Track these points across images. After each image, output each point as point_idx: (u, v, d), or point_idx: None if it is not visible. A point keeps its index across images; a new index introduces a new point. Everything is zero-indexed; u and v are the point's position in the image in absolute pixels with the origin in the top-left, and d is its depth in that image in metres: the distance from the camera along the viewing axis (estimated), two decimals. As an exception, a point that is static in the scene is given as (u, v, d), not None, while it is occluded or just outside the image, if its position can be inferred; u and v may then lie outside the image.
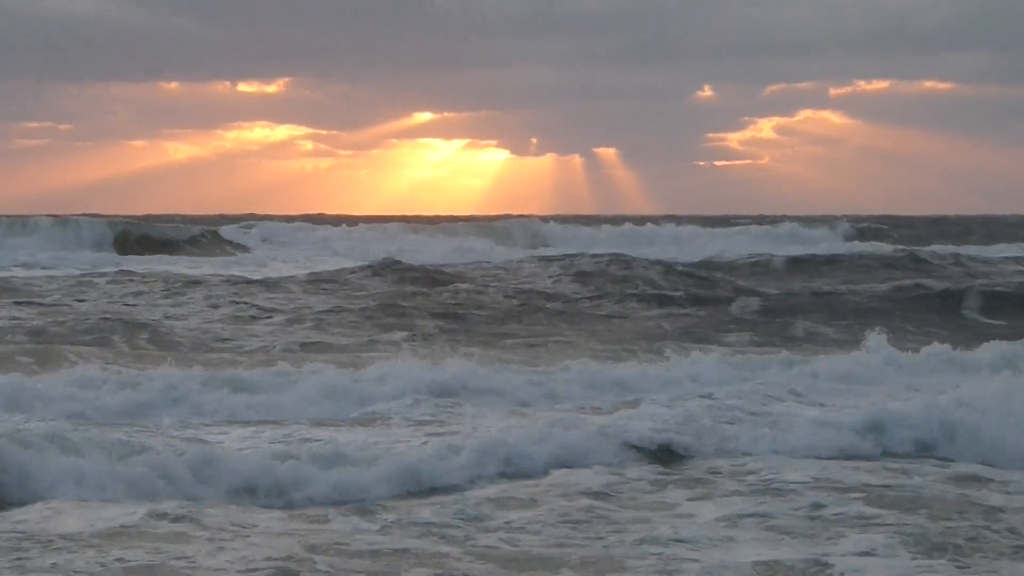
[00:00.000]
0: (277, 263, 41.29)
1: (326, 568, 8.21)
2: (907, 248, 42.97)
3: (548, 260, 35.45)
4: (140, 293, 26.87)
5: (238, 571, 8.09)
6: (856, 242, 53.75)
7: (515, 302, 25.48)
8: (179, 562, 8.27)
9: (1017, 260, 40.07)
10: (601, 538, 9.07)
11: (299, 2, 75.92)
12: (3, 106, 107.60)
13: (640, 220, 59.71)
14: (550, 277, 31.22)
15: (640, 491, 10.66)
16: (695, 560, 8.46)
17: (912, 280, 28.76)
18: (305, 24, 79.66)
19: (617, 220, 55.83)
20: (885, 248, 45.09)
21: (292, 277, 30.98)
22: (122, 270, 32.69)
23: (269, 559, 8.29)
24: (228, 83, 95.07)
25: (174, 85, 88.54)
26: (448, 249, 45.77)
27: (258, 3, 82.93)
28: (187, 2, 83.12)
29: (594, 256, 34.55)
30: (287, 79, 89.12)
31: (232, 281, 29.44)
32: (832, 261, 36.88)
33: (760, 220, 62.80)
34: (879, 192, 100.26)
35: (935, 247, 44.68)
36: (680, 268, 32.68)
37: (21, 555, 8.40)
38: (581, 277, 30.68)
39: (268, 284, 29.00)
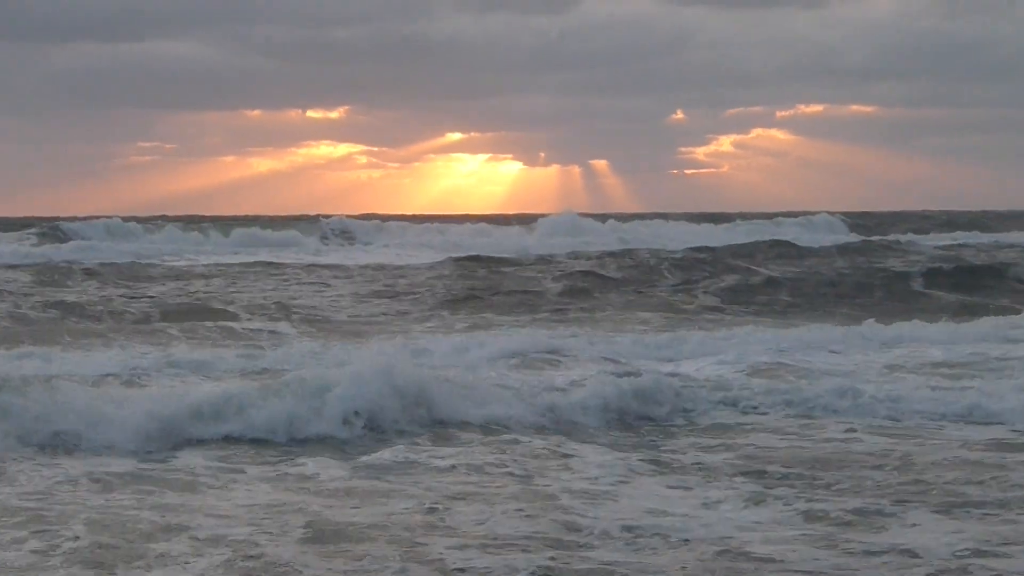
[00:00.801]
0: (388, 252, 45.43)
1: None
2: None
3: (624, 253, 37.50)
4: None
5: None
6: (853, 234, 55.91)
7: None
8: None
9: (963, 246, 44.55)
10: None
11: (354, 45, 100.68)
12: (122, 130, 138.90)
13: (627, 217, 68.12)
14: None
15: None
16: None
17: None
18: (360, 63, 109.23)
19: (607, 216, 62.57)
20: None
21: (410, 265, 34.91)
22: (270, 262, 35.51)
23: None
24: (299, 111, 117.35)
25: (256, 112, 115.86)
26: (521, 243, 48.52)
27: (322, 47, 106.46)
28: (266, 45, 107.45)
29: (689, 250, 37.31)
30: (347, 107, 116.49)
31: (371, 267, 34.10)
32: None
33: (729, 218, 66.16)
34: (817, 194, 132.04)
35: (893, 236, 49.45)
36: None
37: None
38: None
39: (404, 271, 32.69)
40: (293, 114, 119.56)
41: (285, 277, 31.37)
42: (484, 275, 31.52)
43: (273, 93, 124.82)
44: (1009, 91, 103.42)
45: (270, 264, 34.62)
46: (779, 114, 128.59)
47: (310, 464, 10.74)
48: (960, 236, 52.27)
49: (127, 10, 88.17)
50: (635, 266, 33.01)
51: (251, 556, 7.88)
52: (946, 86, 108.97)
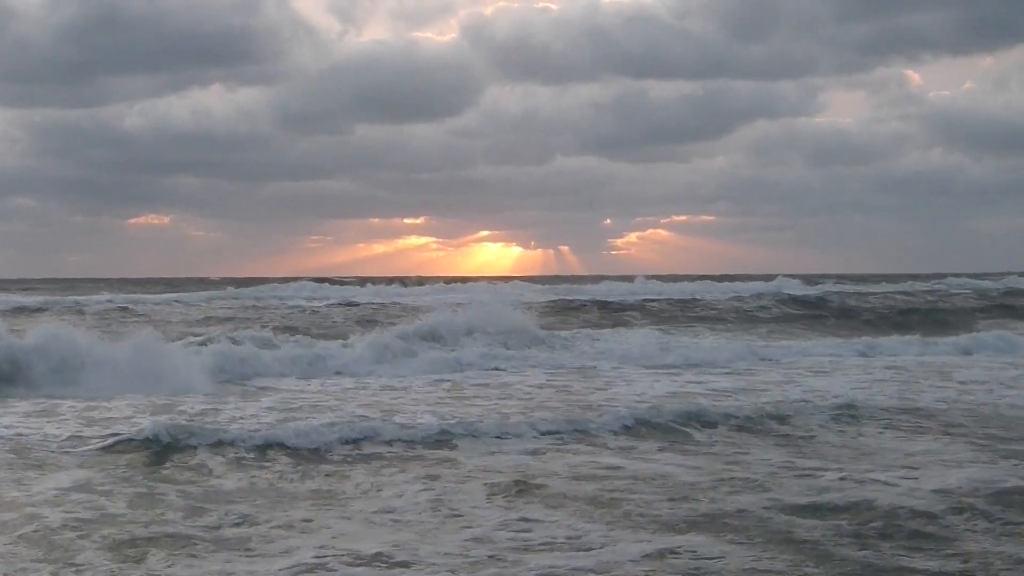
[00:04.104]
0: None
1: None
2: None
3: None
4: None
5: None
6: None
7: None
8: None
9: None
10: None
11: (430, 183, 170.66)
12: (302, 229, 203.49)
13: (578, 279, 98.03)
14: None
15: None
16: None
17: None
18: (433, 192, 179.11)
19: (564, 279, 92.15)
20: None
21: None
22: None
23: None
24: (400, 219, 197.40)
25: (376, 220, 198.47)
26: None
27: (414, 183, 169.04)
28: (382, 182, 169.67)
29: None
30: (425, 217, 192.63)
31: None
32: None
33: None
34: (682, 265, 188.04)
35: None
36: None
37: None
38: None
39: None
40: (396, 221, 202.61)
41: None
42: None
43: (386, 209, 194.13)
44: (783, 208, 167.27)
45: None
46: (662, 221, 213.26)
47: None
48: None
49: (305, 163, 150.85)
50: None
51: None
52: (749, 206, 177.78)
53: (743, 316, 42.96)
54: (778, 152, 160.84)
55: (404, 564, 8.06)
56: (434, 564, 8.07)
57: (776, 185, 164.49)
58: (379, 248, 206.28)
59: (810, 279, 73.85)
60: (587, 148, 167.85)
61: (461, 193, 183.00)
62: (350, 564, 8.04)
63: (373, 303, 47.54)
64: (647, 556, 8.26)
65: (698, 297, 51.40)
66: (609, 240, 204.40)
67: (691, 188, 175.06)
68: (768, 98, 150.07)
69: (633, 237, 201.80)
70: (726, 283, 63.58)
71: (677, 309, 44.89)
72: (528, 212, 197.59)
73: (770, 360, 25.55)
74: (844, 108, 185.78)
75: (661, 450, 13.14)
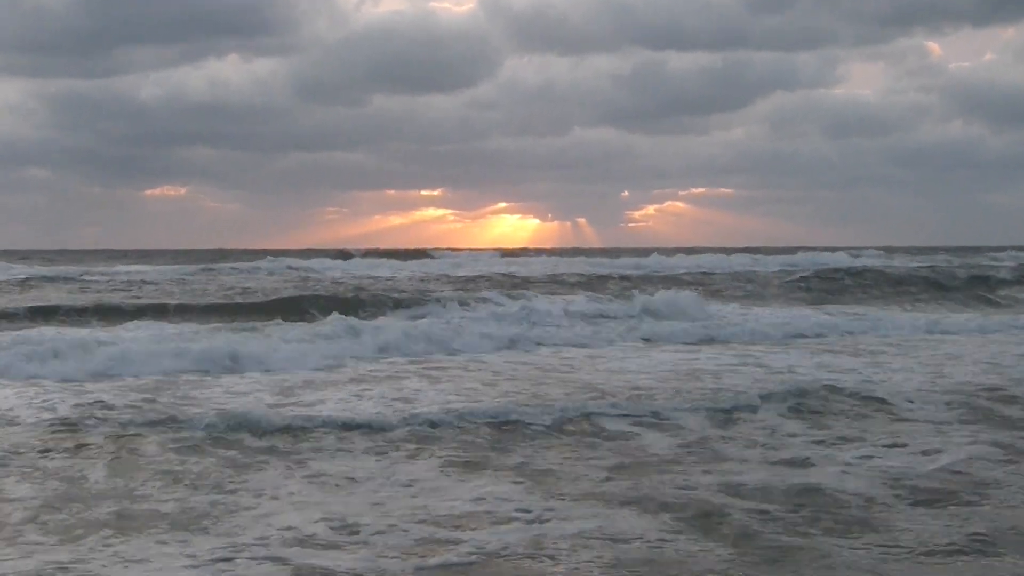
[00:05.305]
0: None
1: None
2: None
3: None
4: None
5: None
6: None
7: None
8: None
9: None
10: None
11: (447, 155, 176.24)
12: (318, 201, 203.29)
13: (595, 252, 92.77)
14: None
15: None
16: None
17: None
18: (450, 165, 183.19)
19: (582, 251, 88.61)
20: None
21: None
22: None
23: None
24: (417, 191, 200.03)
25: (392, 191, 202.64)
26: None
27: (431, 155, 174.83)
28: (399, 155, 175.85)
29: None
30: (442, 188, 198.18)
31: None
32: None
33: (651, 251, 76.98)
34: (699, 238, 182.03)
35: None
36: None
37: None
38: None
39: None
40: (413, 193, 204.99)
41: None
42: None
43: (402, 181, 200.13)
44: (802, 180, 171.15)
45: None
46: (680, 193, 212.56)
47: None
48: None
49: (321, 134, 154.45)
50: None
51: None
52: (767, 178, 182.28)
53: (897, 290, 39.82)
54: (797, 124, 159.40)
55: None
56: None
57: (794, 157, 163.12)
58: (396, 220, 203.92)
59: (854, 252, 71.31)
60: (605, 120, 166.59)
61: (478, 165, 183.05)
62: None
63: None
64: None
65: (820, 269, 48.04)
66: (627, 212, 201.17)
67: (709, 160, 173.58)
68: (787, 69, 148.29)
69: (651, 210, 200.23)
70: (800, 255, 61.89)
71: (827, 284, 41.11)
72: (545, 184, 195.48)
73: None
74: (863, 80, 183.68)
75: None
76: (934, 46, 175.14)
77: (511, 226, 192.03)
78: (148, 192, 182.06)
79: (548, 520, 7.80)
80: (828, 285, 40.38)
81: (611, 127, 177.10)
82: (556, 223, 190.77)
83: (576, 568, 6.74)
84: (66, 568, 6.76)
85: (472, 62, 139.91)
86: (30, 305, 26.93)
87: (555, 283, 39.19)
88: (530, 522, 7.75)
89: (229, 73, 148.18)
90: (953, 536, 7.41)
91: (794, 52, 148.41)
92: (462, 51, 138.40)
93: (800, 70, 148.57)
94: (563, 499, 8.45)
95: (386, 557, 6.97)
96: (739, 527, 7.60)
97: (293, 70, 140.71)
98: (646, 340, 22.26)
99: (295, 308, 26.47)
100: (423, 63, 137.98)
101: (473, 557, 6.98)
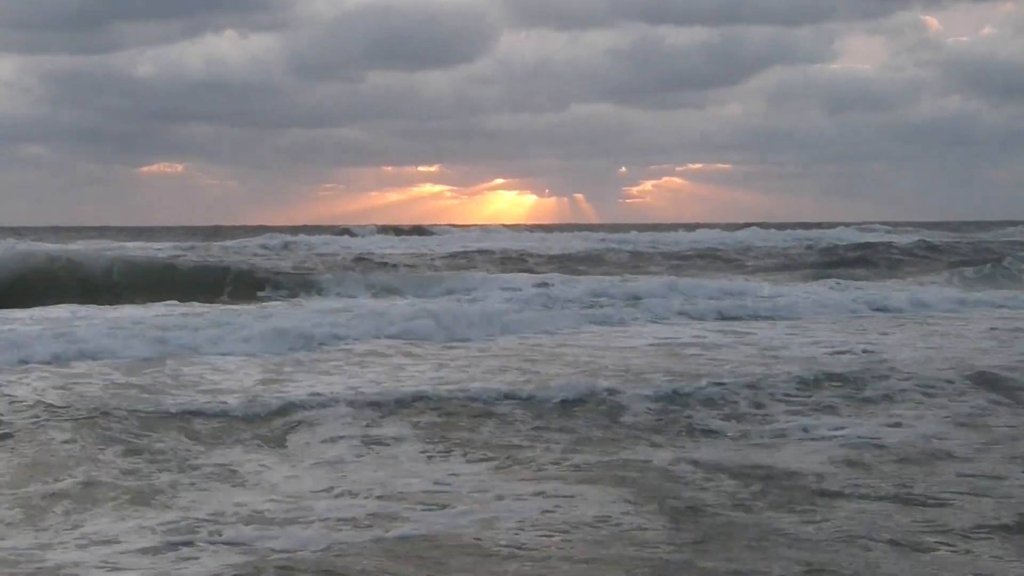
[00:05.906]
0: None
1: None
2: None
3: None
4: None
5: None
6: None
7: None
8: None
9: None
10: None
11: (444, 131, 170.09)
12: (313, 177, 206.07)
13: (595, 227, 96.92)
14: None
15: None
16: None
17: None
18: (447, 141, 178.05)
19: (581, 227, 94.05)
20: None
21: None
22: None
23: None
24: (414, 167, 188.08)
25: (390, 168, 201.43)
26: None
27: (427, 131, 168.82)
28: (396, 131, 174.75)
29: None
30: (439, 165, 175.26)
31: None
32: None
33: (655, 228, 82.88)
34: (696, 215, 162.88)
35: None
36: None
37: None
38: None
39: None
40: (410, 169, 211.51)
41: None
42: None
43: (399, 157, 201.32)
44: (799, 156, 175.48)
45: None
46: (677, 169, 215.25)
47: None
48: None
49: (317, 111, 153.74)
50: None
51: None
52: (764, 153, 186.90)
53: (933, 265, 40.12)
54: (794, 99, 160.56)
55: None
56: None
57: (792, 132, 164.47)
58: (392, 196, 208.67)
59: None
60: (602, 95, 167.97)
61: (475, 141, 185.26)
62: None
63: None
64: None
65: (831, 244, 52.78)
66: (624, 188, 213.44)
67: (707, 136, 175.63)
68: (785, 44, 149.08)
69: (648, 185, 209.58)
70: (798, 231, 65.50)
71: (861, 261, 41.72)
72: (543, 160, 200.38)
73: None
74: (861, 54, 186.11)
75: None
76: (932, 20, 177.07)
77: (508, 202, 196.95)
78: (144, 169, 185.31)
79: (504, 498, 7.96)
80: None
81: (608, 102, 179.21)
82: (553, 199, 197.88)
83: (525, 543, 6.88)
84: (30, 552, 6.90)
85: (468, 38, 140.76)
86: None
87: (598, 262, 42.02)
88: (488, 500, 7.90)
89: (226, 49, 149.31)
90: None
91: (792, 27, 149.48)
92: (458, 27, 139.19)
93: (798, 45, 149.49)
94: (523, 479, 8.60)
95: (342, 531, 7.10)
96: (690, 503, 7.75)
97: (290, 46, 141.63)
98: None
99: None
100: (419, 39, 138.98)
101: (435, 529, 7.12)
